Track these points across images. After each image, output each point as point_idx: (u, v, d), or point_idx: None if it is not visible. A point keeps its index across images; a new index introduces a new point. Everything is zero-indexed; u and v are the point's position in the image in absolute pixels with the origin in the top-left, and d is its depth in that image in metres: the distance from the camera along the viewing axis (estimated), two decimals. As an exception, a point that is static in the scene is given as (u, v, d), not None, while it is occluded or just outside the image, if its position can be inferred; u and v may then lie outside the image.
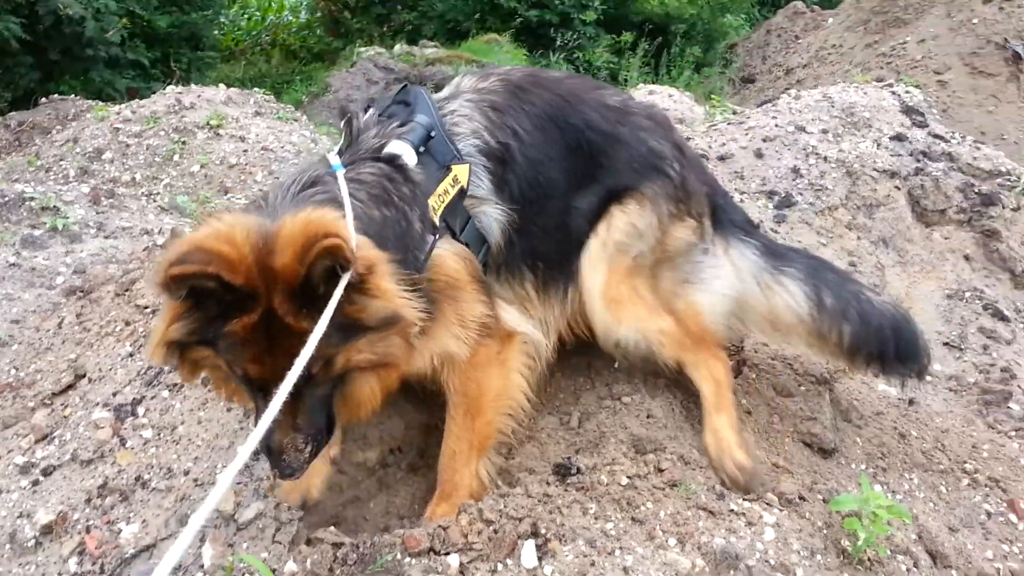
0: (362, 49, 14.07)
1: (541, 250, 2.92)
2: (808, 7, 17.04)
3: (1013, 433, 3.32)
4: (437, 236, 2.58)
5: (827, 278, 3.09)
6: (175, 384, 3.29)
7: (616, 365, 3.17)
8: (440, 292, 2.56)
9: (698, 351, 3.00)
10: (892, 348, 2.99)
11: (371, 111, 2.90)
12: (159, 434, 3.13)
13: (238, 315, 2.03)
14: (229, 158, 6.71)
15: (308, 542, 2.57)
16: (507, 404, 2.86)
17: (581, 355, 3.27)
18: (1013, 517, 2.99)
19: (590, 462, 2.77)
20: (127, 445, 3.13)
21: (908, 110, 5.65)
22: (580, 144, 2.92)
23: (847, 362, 3.11)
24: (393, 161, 2.61)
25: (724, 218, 3.19)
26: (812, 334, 3.04)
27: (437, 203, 2.63)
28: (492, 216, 2.79)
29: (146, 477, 2.97)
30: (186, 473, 2.92)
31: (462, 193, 2.72)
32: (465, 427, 2.79)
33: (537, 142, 2.87)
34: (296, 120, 7.73)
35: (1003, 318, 4.63)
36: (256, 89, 8.05)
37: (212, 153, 6.73)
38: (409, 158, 2.63)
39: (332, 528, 2.60)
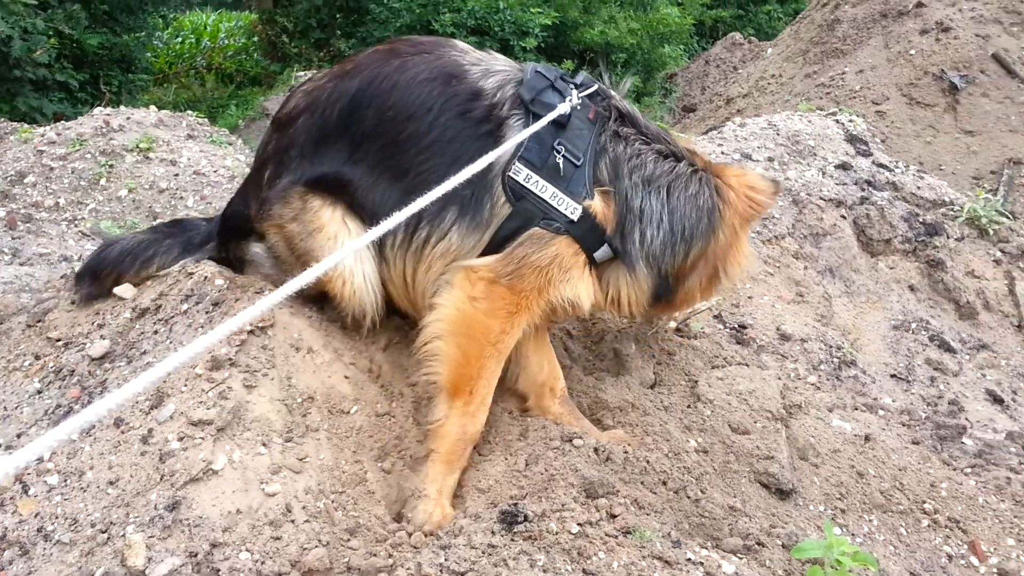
0: (300, 73, 13.82)
1: None
2: (746, 38, 17.27)
3: (969, 470, 3.22)
4: None
5: None
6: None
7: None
8: None
9: None
10: None
11: None
12: (65, 480, 2.84)
13: None
14: (159, 182, 6.39)
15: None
16: None
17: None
18: (974, 559, 2.88)
19: (538, 508, 2.56)
20: (29, 493, 2.84)
21: (852, 139, 5.64)
22: None
23: None
24: None
25: None
26: None
27: None
28: None
29: (49, 528, 2.69)
30: (93, 525, 2.64)
31: None
32: None
33: None
34: (230, 144, 7.43)
35: (949, 349, 4.60)
36: (189, 112, 7.73)
37: (141, 177, 6.40)
38: None
39: (255, 586, 2.35)
